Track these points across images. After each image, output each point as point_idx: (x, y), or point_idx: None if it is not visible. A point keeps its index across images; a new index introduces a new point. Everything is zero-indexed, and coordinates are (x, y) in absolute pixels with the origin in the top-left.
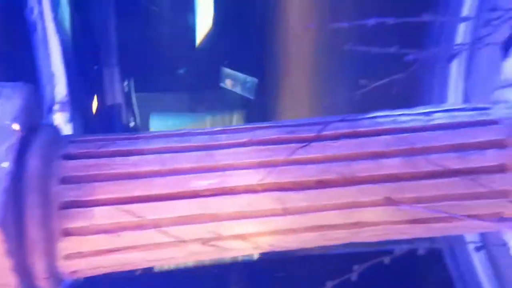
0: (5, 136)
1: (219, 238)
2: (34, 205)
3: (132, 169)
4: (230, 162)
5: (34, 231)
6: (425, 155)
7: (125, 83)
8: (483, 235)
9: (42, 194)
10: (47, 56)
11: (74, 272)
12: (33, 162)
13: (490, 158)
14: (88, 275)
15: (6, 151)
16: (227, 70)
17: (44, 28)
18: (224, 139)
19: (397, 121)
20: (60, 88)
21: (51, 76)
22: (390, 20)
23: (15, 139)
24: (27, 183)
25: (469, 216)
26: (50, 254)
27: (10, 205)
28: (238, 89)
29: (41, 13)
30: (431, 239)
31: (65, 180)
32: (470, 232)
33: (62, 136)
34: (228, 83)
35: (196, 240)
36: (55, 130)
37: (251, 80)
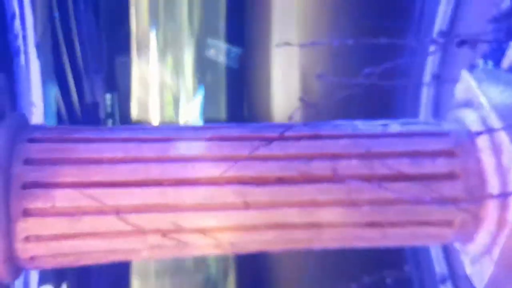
0: None
1: (179, 230)
2: None
3: (95, 155)
4: (193, 155)
5: None
6: (380, 159)
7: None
8: (450, 267)
9: (4, 173)
10: (28, 82)
11: (33, 258)
12: None
13: (440, 165)
14: (47, 265)
15: None
16: (211, 41)
17: (26, 53)
18: (188, 134)
19: (356, 128)
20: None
21: (30, 104)
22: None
23: None
24: None
25: (421, 223)
26: (8, 234)
27: None
28: (222, 59)
29: (24, 37)
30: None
31: (28, 161)
32: (424, 243)
33: (30, 124)
34: (212, 53)
35: (156, 231)
36: (23, 117)
37: (235, 50)
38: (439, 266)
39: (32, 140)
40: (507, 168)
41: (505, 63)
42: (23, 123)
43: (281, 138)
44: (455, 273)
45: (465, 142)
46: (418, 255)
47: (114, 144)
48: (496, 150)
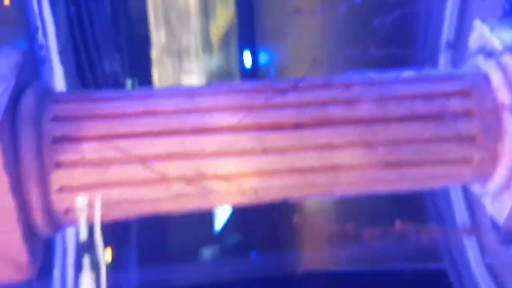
0: (3, 81)
1: (202, 177)
2: (28, 138)
3: (118, 111)
4: (211, 106)
5: (29, 161)
6: (395, 101)
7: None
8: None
9: (35, 129)
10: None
11: (68, 211)
12: (27, 102)
13: (455, 104)
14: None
15: (3, 91)
16: None
17: (50, 61)
18: (205, 89)
19: (369, 77)
20: None
21: None
22: None
23: (12, 84)
24: (22, 119)
25: (438, 162)
26: (43, 186)
27: (6, 127)
28: None
29: (47, 47)
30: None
31: (56, 119)
32: (443, 183)
33: (54, 90)
34: None
35: (179, 178)
36: (49, 85)
37: None
38: (461, 216)
39: (58, 101)
40: None
41: None
42: (49, 89)
43: (295, 88)
44: (477, 225)
45: (480, 83)
46: (440, 208)
47: (135, 101)
48: (510, 84)
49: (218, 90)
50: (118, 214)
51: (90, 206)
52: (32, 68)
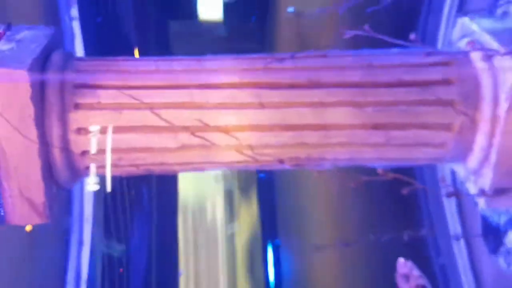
0: (38, 39)
1: (205, 128)
2: (53, 82)
3: (133, 68)
4: (216, 67)
5: (52, 98)
6: (383, 69)
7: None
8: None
9: (60, 76)
10: None
11: (84, 154)
12: (55, 57)
13: (437, 73)
14: (94, 164)
15: (37, 45)
16: None
17: None
18: (210, 57)
19: (360, 52)
20: None
21: None
22: None
23: (44, 43)
24: (49, 68)
25: (422, 125)
26: (63, 122)
27: (36, 68)
28: None
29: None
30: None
31: (78, 71)
32: (428, 152)
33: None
34: None
35: (185, 128)
36: (72, 51)
37: None
38: (453, 226)
39: (79, 59)
40: (497, 68)
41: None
42: (73, 53)
43: (293, 57)
44: (468, 233)
45: (459, 57)
46: (433, 217)
47: (148, 61)
48: (487, 56)
49: (224, 57)
50: (128, 161)
51: (103, 151)
52: (60, 40)
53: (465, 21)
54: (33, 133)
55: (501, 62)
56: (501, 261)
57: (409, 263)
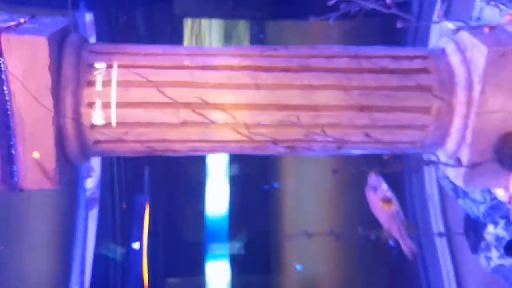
0: (57, 23)
1: (205, 106)
2: (70, 58)
3: (141, 51)
4: (216, 52)
5: (68, 72)
6: (367, 58)
7: None
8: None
9: (76, 55)
10: None
11: (93, 127)
12: (72, 38)
13: (417, 64)
14: (103, 138)
15: (56, 26)
16: None
17: None
18: (211, 46)
19: (348, 46)
20: None
21: None
22: None
23: (62, 24)
24: (67, 46)
25: (403, 109)
26: (76, 96)
27: (55, 42)
28: None
29: None
30: None
31: (92, 51)
32: (411, 134)
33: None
34: None
35: (186, 105)
36: (86, 36)
37: None
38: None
39: (93, 43)
40: (469, 60)
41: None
42: (85, 36)
43: (286, 47)
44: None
45: (437, 51)
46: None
47: (155, 46)
48: (461, 50)
49: (221, 46)
50: (133, 140)
51: (110, 125)
52: (76, 28)
53: (444, 25)
54: (49, 102)
55: (472, 52)
56: (482, 259)
57: (380, 178)
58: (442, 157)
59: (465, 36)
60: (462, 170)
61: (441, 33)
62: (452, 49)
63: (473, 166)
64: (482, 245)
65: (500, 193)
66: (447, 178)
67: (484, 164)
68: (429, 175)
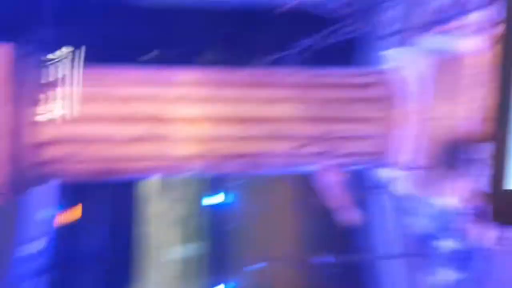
0: None
1: (164, 120)
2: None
3: (109, 70)
4: (178, 71)
5: (28, 85)
6: (325, 76)
7: None
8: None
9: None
10: None
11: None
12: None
13: (363, 80)
14: (62, 152)
15: None
16: None
17: None
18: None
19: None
20: None
21: None
22: None
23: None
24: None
25: (353, 119)
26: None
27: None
28: None
29: None
30: None
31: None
32: (360, 141)
33: None
34: None
35: (145, 119)
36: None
37: None
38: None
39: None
40: (415, 72)
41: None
42: None
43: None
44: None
45: (379, 71)
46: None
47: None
48: (407, 64)
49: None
50: (91, 151)
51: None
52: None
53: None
54: (8, 113)
55: (407, 71)
56: (439, 275)
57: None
58: (395, 169)
59: (409, 52)
60: (415, 178)
61: (389, 51)
62: (398, 63)
63: (425, 171)
64: (435, 260)
65: (452, 201)
66: (396, 195)
67: (436, 169)
68: (384, 194)
